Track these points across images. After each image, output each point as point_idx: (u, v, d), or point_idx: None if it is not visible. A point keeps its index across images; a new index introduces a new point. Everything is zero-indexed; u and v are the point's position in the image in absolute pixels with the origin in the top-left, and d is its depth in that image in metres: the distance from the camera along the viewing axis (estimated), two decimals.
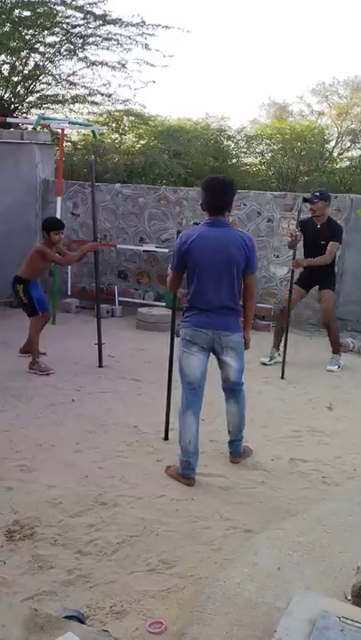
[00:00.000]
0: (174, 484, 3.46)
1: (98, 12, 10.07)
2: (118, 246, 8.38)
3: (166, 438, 4.11)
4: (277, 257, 7.74)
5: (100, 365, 5.66)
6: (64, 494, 3.26)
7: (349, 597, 2.20)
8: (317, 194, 5.91)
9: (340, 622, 1.89)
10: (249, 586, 2.36)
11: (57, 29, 10.19)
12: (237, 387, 3.68)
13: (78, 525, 2.96)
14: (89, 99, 11.30)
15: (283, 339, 5.84)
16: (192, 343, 3.48)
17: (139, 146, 12.34)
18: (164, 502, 3.25)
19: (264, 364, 5.97)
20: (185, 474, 3.49)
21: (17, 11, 9.64)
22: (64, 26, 10.21)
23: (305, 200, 6.00)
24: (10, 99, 10.91)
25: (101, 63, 10.70)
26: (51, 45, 10.38)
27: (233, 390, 3.69)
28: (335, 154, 14.08)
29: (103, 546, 2.81)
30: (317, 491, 3.49)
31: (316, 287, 6.16)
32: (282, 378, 5.59)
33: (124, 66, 10.80)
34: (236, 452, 3.82)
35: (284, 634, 1.88)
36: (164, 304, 7.93)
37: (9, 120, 8.57)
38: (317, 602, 2.03)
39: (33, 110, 11.46)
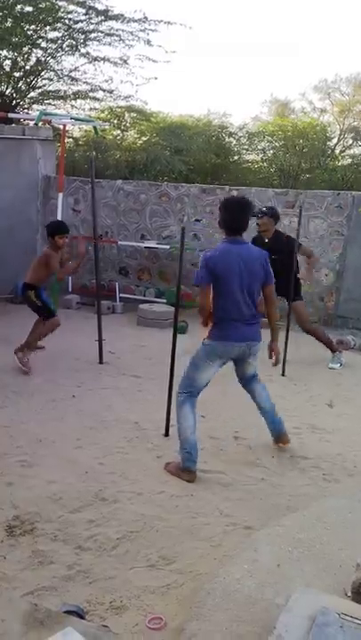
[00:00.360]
0: (174, 481, 3.46)
1: (100, 7, 10.06)
2: (119, 243, 8.38)
3: (167, 435, 4.11)
4: None
5: (101, 362, 5.66)
6: (64, 490, 3.26)
7: (349, 594, 2.21)
8: (264, 209, 5.88)
9: (339, 619, 1.89)
10: (249, 582, 2.36)
11: (59, 25, 10.17)
12: (256, 374, 3.95)
13: (78, 521, 2.97)
14: (90, 95, 11.29)
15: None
16: (218, 357, 3.66)
17: (140, 142, 12.33)
18: (164, 498, 3.25)
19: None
20: (187, 466, 3.51)
21: (19, 6, 9.62)
22: (66, 21, 10.19)
23: (253, 214, 5.93)
24: (11, 94, 10.90)
25: (103, 59, 10.68)
26: (52, 41, 10.36)
27: (254, 377, 3.94)
28: (337, 151, 14.05)
29: (103, 541, 2.81)
30: (318, 488, 3.49)
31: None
32: (283, 375, 5.58)
33: (125, 62, 10.78)
34: (283, 432, 3.98)
35: (284, 630, 1.88)
36: (164, 301, 7.93)
37: (10, 115, 8.57)
38: (317, 598, 2.03)
39: (34, 106, 11.46)
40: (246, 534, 2.90)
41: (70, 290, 8.41)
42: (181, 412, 3.64)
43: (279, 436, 3.98)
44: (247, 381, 3.94)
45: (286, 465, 3.79)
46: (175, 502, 3.22)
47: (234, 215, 3.62)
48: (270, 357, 3.93)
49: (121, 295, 8.22)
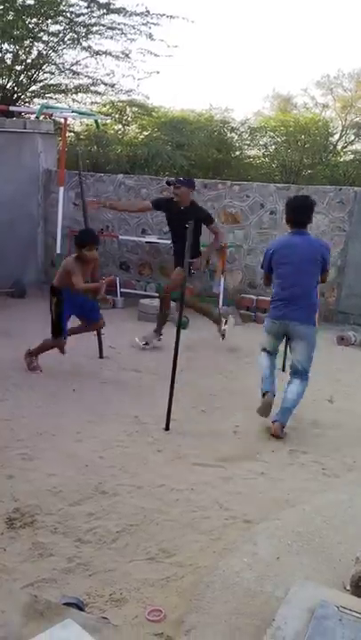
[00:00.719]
0: (174, 474, 3.47)
1: (102, 0, 10.00)
2: (120, 237, 8.36)
3: (167, 429, 4.11)
4: None
5: (101, 356, 5.66)
6: (64, 483, 3.27)
7: (348, 587, 2.21)
8: (181, 179, 6.04)
9: (338, 612, 1.90)
10: (248, 575, 2.36)
11: (60, 18, 10.12)
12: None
13: (78, 514, 2.97)
14: (92, 88, 11.24)
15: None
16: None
17: (142, 137, 12.28)
18: (164, 492, 3.26)
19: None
20: (261, 388, 4.29)
21: None
22: (68, 14, 10.14)
23: (168, 183, 6.15)
24: (13, 88, 10.85)
25: (105, 53, 10.63)
26: (54, 34, 10.31)
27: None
28: (339, 147, 14.00)
29: (103, 534, 2.82)
30: (317, 482, 3.50)
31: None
32: (283, 370, 5.58)
33: (127, 55, 10.73)
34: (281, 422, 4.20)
35: (283, 622, 1.89)
36: None
37: (12, 109, 8.53)
38: (316, 591, 2.03)
39: (36, 100, 11.40)
40: (246, 528, 2.91)
41: None
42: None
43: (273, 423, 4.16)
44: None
45: (286, 459, 3.80)
46: (175, 496, 3.23)
47: (297, 213, 4.35)
48: None
49: (122, 290, 8.21)
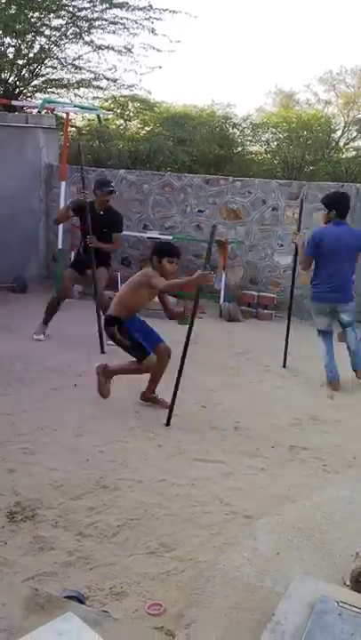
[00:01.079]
0: (175, 469, 3.48)
1: None
2: (122, 233, 8.34)
3: (168, 424, 4.12)
4: (281, 246, 7.71)
5: (103, 351, 5.67)
6: (65, 477, 3.28)
7: (348, 583, 2.22)
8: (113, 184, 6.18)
9: (338, 607, 1.91)
10: (248, 570, 2.37)
11: (63, 12, 10.09)
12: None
13: (79, 508, 2.98)
14: (94, 83, 11.21)
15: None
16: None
17: (143, 132, 12.26)
18: (165, 487, 3.27)
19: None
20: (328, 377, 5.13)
21: None
22: (70, 9, 10.11)
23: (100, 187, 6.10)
24: (15, 82, 10.83)
25: (107, 47, 10.59)
26: (56, 29, 10.28)
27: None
28: (341, 143, 13.97)
29: (104, 528, 2.83)
30: (318, 478, 3.51)
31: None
32: (283, 367, 5.60)
33: (130, 50, 10.71)
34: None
35: (283, 617, 1.90)
36: None
37: (14, 103, 8.52)
38: (316, 587, 2.04)
39: (37, 94, 11.37)
40: (246, 523, 2.91)
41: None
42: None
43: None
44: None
45: (286, 455, 3.81)
46: (176, 491, 3.23)
47: (340, 206, 5.17)
48: None
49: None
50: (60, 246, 8.04)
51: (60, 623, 1.95)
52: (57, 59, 10.81)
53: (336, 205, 5.16)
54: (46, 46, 10.54)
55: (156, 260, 4.28)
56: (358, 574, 2.16)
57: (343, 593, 2.05)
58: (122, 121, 12.59)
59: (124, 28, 10.40)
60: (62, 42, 10.52)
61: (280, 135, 13.06)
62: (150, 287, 4.23)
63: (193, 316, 4.13)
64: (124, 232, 8.27)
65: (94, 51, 10.65)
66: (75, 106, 8.91)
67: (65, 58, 10.84)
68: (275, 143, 13.33)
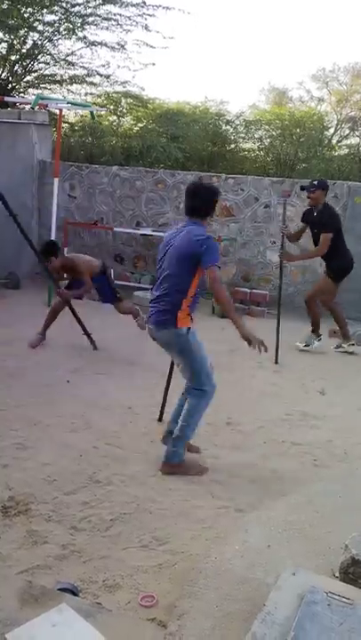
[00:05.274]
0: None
1: None
2: (115, 229, 8.36)
3: (160, 420, 4.15)
4: (274, 243, 7.76)
5: (95, 348, 5.69)
6: (59, 472, 3.30)
7: (337, 574, 2.26)
8: (315, 183, 5.93)
9: (327, 597, 1.94)
10: (239, 562, 2.41)
11: (56, 8, 10.07)
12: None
13: (72, 502, 3.01)
14: (87, 79, 11.22)
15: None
16: None
17: (137, 128, 12.25)
18: (157, 481, 3.30)
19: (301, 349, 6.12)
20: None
21: None
22: (63, 4, 10.10)
23: (302, 188, 6.04)
24: (7, 78, 10.80)
25: (100, 43, 10.60)
26: (49, 24, 10.26)
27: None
28: (334, 141, 14.02)
29: (97, 522, 2.85)
30: (308, 473, 3.55)
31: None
32: (276, 362, 5.64)
33: (123, 47, 10.71)
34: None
35: (273, 607, 1.93)
36: None
37: (6, 99, 8.49)
38: (306, 578, 2.08)
39: (30, 90, 11.36)
40: (238, 517, 2.95)
41: (65, 276, 8.38)
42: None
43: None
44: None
45: (278, 450, 3.85)
46: (168, 485, 3.27)
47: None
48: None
49: (116, 282, 8.21)
50: None
51: (53, 615, 1.98)
52: (50, 54, 10.81)
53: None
54: (39, 42, 10.53)
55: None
56: (347, 566, 2.20)
57: (332, 584, 2.09)
58: (115, 117, 12.57)
59: (118, 24, 10.41)
60: (55, 38, 10.51)
61: (273, 132, 13.08)
62: None
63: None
64: (116, 228, 8.32)
65: (87, 47, 10.67)
66: (68, 102, 8.90)
67: (58, 54, 10.84)
68: (268, 140, 13.36)
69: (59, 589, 2.23)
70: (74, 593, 2.25)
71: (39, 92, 11.12)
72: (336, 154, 13.29)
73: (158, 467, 3.43)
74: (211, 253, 3.28)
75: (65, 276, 5.83)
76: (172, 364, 4.17)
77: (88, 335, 5.68)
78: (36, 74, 11.25)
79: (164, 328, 3.36)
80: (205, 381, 3.45)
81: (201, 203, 3.43)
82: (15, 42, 10.34)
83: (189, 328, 3.39)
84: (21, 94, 11.17)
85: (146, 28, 10.39)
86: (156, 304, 3.40)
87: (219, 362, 5.65)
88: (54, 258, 5.50)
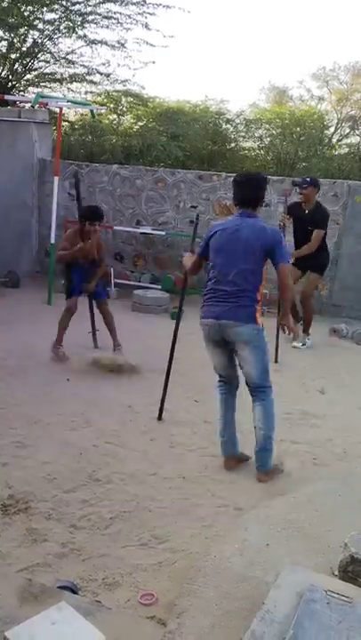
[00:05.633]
0: (167, 463, 3.51)
1: None
2: (115, 228, 8.36)
3: (160, 419, 4.15)
4: None
5: (96, 346, 5.69)
6: (58, 470, 3.30)
7: (336, 573, 2.26)
8: (308, 179, 6.02)
9: (326, 596, 1.95)
10: (239, 561, 2.41)
11: (56, 6, 10.06)
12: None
13: (72, 500, 3.01)
14: (87, 78, 11.20)
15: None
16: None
17: (137, 127, 12.24)
18: (157, 480, 3.30)
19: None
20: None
21: None
22: (63, 2, 10.08)
23: (294, 184, 6.14)
24: (7, 76, 10.79)
25: (101, 42, 10.59)
26: (50, 22, 10.25)
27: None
28: (334, 140, 14.01)
29: (96, 521, 2.86)
30: (308, 472, 3.55)
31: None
32: (275, 362, 5.63)
33: (123, 45, 10.70)
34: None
35: (273, 606, 1.94)
36: (159, 287, 7.95)
37: (7, 97, 8.49)
38: (305, 576, 2.08)
39: (30, 88, 11.35)
40: (237, 515, 2.95)
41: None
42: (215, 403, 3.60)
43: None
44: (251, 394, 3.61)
45: (277, 449, 3.83)
46: (168, 484, 3.27)
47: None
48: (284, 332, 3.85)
49: (116, 281, 8.23)
50: (52, 241, 8.03)
51: (53, 612, 1.98)
52: (50, 53, 10.79)
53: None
54: (39, 40, 10.51)
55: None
56: (347, 564, 2.20)
57: (331, 582, 2.09)
58: (115, 116, 12.57)
59: (118, 22, 10.40)
60: (55, 36, 10.51)
61: (273, 131, 13.08)
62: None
63: (180, 310, 4.29)
64: (116, 227, 8.32)
65: (88, 45, 10.65)
66: (68, 101, 8.89)
67: (58, 52, 10.83)
68: (268, 139, 13.36)
69: (58, 587, 2.23)
70: (73, 591, 2.25)
71: (39, 90, 11.11)
72: (336, 153, 13.28)
73: (257, 477, 3.40)
74: (283, 247, 3.36)
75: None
76: (170, 363, 4.18)
77: (94, 332, 5.69)
78: (36, 72, 11.25)
79: (245, 324, 3.30)
80: (269, 377, 3.50)
81: (252, 192, 3.43)
82: (15, 40, 10.33)
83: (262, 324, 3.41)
84: (21, 93, 11.16)
85: (146, 26, 10.39)
86: (233, 300, 3.32)
87: None
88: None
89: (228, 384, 3.59)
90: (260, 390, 3.46)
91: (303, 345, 6.22)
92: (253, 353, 3.38)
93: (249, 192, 3.43)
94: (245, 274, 3.32)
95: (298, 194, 6.20)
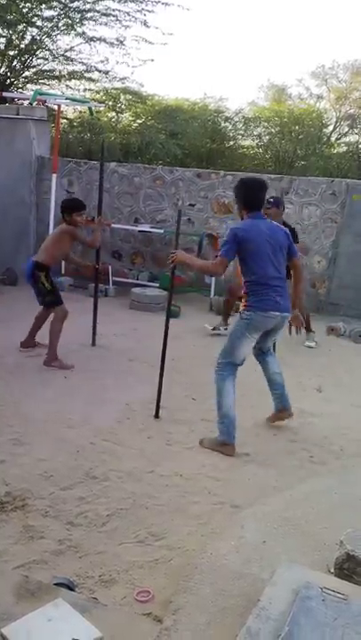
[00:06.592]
0: (164, 461, 3.52)
1: None
2: (113, 226, 8.35)
3: (157, 416, 4.15)
4: None
5: (94, 344, 5.69)
6: (55, 468, 3.30)
7: (332, 570, 2.27)
8: (271, 200, 6.00)
9: (322, 593, 1.95)
10: (235, 558, 2.42)
11: (55, 3, 10.05)
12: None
13: (69, 498, 3.01)
14: (86, 75, 11.19)
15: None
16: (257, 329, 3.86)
17: (135, 125, 12.24)
18: (154, 477, 3.31)
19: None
20: (225, 440, 3.70)
21: None
22: (62, 0, 10.06)
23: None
24: (6, 73, 10.78)
25: (99, 39, 10.59)
26: (48, 19, 10.24)
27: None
28: (333, 139, 14.02)
29: (93, 518, 2.86)
30: (305, 469, 3.56)
31: None
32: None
33: (122, 43, 10.70)
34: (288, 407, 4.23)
35: (268, 602, 1.94)
36: (157, 285, 7.94)
37: (5, 95, 8.47)
38: (301, 573, 2.09)
39: (29, 85, 11.33)
40: (233, 512, 2.96)
41: (63, 272, 8.40)
42: (224, 388, 3.77)
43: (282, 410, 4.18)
44: (266, 353, 4.20)
45: (274, 447, 3.86)
46: (165, 481, 3.27)
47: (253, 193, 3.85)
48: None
49: (114, 279, 8.22)
50: None
51: (49, 609, 1.99)
52: (48, 50, 10.79)
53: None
54: (38, 37, 10.49)
55: (67, 216, 5.08)
56: (342, 562, 2.21)
57: (327, 580, 2.10)
58: (113, 113, 12.56)
59: (117, 19, 10.40)
60: (54, 33, 10.49)
61: (272, 129, 13.10)
62: (71, 239, 5.14)
63: (169, 306, 4.36)
64: (114, 225, 8.31)
65: (86, 42, 10.65)
66: (66, 98, 8.88)
67: (57, 49, 10.82)
68: (266, 137, 13.38)
69: (55, 584, 2.24)
70: (70, 588, 2.26)
71: (38, 87, 11.09)
72: (335, 151, 13.30)
73: (290, 413, 4.13)
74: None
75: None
76: (163, 359, 4.19)
77: (94, 329, 5.69)
78: (34, 69, 11.24)
79: (288, 313, 3.83)
80: None
81: (264, 197, 3.87)
82: (14, 37, 10.31)
83: None
84: (20, 90, 11.14)
85: (145, 23, 10.39)
86: (282, 292, 3.75)
87: (216, 359, 5.66)
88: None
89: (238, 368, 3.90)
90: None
91: (316, 343, 6.29)
92: (277, 335, 4.05)
93: (263, 196, 3.83)
94: (283, 269, 3.78)
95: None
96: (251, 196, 3.77)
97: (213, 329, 6.40)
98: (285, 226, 5.98)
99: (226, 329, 6.36)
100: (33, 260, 5.08)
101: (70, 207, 5.13)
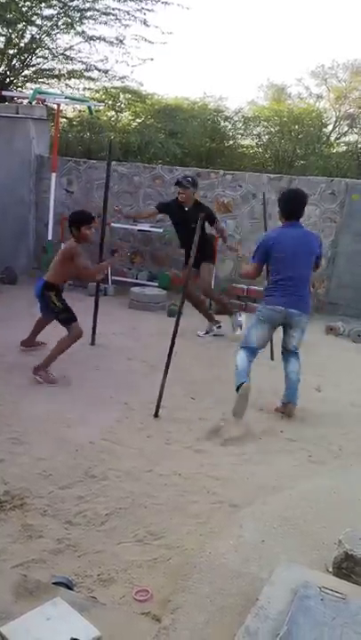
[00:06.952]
0: (163, 460, 3.52)
1: None
2: (112, 225, 8.34)
3: (156, 416, 4.16)
4: None
5: (93, 343, 5.69)
6: (54, 467, 3.31)
7: (331, 569, 2.27)
8: (189, 179, 6.21)
9: (320, 592, 1.96)
10: (233, 557, 2.42)
11: (54, 2, 10.05)
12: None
13: (68, 497, 3.02)
14: (85, 74, 11.17)
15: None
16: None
17: (135, 124, 12.23)
18: (153, 477, 3.31)
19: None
20: (238, 383, 4.16)
21: None
22: None
23: (177, 183, 6.34)
24: (5, 72, 10.76)
25: (99, 38, 10.57)
26: (48, 18, 10.23)
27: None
28: (332, 138, 14.01)
29: (92, 517, 2.86)
30: (303, 469, 3.56)
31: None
32: (271, 359, 5.64)
33: (121, 42, 10.68)
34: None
35: (267, 601, 1.94)
36: (156, 284, 7.94)
37: (4, 93, 8.46)
38: (300, 573, 2.09)
39: (28, 84, 11.32)
40: (232, 512, 2.96)
41: None
42: (238, 359, 4.30)
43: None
44: (290, 352, 4.50)
45: (273, 446, 3.86)
46: (163, 480, 3.28)
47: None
48: None
49: (113, 278, 8.22)
50: (49, 237, 8.03)
51: (48, 608, 1.99)
52: (48, 49, 10.77)
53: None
54: (37, 36, 10.48)
55: (75, 230, 4.84)
56: (341, 561, 2.21)
57: (326, 579, 2.10)
58: (113, 112, 12.54)
59: (116, 18, 10.38)
60: (54, 32, 10.48)
61: (271, 129, 13.08)
62: (76, 259, 4.78)
63: (180, 308, 4.26)
64: (113, 224, 8.30)
65: (86, 41, 10.63)
66: (66, 97, 8.87)
67: (56, 48, 10.81)
68: (266, 137, 13.36)
69: (53, 583, 2.24)
70: (68, 587, 2.26)
71: (37, 86, 11.08)
72: (334, 151, 13.29)
73: (291, 409, 4.36)
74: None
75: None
76: (169, 360, 4.18)
77: (94, 328, 5.68)
78: (34, 68, 11.22)
79: (305, 313, 4.27)
80: None
81: (302, 206, 4.28)
82: (13, 36, 10.30)
83: None
84: (19, 89, 11.13)
85: (144, 22, 10.38)
86: (294, 292, 4.19)
87: (216, 358, 5.68)
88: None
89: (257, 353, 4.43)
90: (297, 353, 4.51)
91: (206, 333, 6.40)
92: (300, 333, 4.41)
93: (300, 206, 4.26)
94: (306, 273, 4.27)
95: (178, 193, 6.32)
96: (287, 207, 4.27)
97: (206, 333, 6.41)
98: (202, 208, 6.07)
99: (219, 327, 6.42)
100: (43, 280, 4.92)
101: (78, 220, 4.84)
